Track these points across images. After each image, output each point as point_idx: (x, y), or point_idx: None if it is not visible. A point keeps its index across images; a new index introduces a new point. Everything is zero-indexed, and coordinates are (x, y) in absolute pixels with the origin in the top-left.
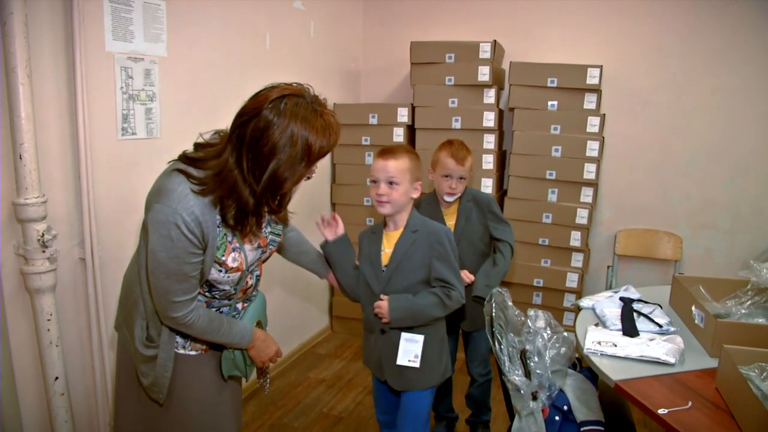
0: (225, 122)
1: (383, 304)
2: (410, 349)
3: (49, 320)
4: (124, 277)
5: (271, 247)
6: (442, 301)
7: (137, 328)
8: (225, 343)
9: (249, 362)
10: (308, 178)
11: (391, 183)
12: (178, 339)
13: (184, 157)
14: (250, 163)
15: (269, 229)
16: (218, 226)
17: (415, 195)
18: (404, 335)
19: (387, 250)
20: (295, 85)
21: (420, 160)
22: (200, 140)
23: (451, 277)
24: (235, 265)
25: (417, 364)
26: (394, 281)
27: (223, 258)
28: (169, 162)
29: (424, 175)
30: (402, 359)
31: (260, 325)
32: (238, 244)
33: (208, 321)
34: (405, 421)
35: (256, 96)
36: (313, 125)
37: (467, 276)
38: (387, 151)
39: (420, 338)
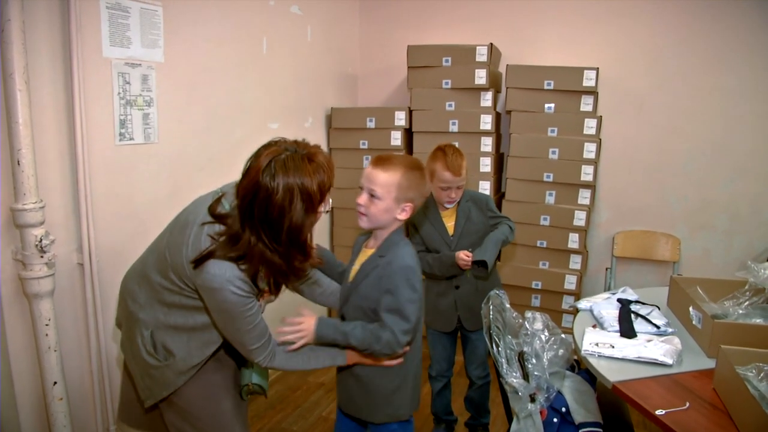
0: (223, 127)
1: (307, 325)
2: None
3: (47, 325)
4: (124, 280)
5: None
6: (371, 341)
7: (138, 336)
8: (315, 367)
9: (266, 387)
10: (327, 212)
11: (372, 195)
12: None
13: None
14: (268, 232)
15: None
16: None
17: (401, 217)
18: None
19: (356, 266)
20: (274, 142)
21: (422, 178)
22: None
23: (390, 318)
24: None
25: None
26: (352, 301)
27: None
28: (207, 222)
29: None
30: None
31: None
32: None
33: (286, 360)
34: None
35: (248, 172)
36: (304, 171)
37: (465, 254)
38: (381, 160)
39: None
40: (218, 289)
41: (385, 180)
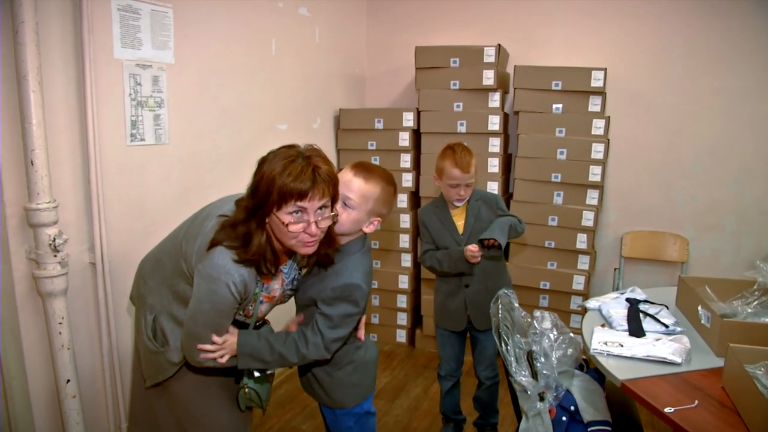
0: (232, 128)
1: (230, 341)
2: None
3: (60, 323)
4: (142, 262)
5: (285, 299)
6: (297, 345)
7: (142, 320)
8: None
9: (265, 397)
10: (334, 222)
11: (345, 203)
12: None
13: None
14: (254, 213)
15: (290, 286)
16: (257, 280)
17: (368, 230)
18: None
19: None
20: (291, 145)
21: (395, 195)
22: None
23: (323, 324)
24: (252, 312)
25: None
26: (302, 291)
27: (250, 307)
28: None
29: (431, 182)
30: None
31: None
32: (260, 299)
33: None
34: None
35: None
36: (285, 168)
37: (473, 247)
38: (363, 168)
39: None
40: (215, 278)
41: (364, 191)
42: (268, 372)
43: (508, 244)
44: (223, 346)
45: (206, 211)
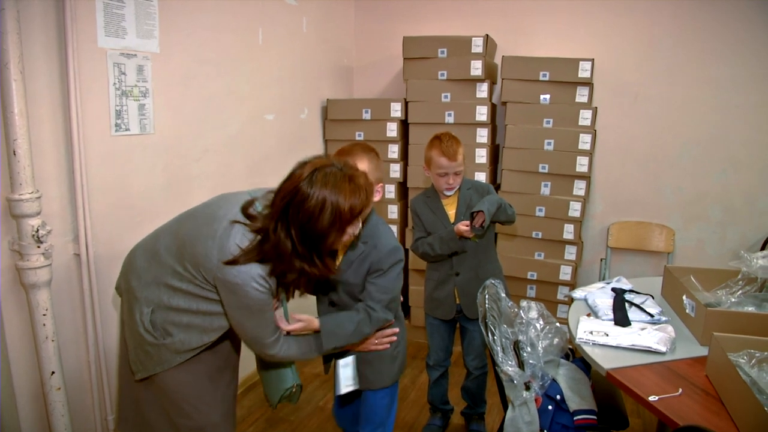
0: (219, 118)
1: (308, 319)
2: (348, 375)
3: (44, 315)
4: (132, 254)
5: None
6: (362, 329)
7: (137, 313)
8: (319, 354)
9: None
10: (353, 234)
11: None
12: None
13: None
14: (298, 236)
15: None
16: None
17: (375, 199)
18: (340, 362)
19: (340, 255)
20: (323, 156)
21: (379, 160)
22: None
23: (377, 295)
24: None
25: (356, 386)
26: (341, 289)
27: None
28: (236, 220)
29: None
30: (341, 388)
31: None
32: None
33: (297, 347)
34: (362, 419)
35: (292, 176)
36: (342, 189)
37: (464, 224)
38: (345, 153)
39: (351, 359)
40: (241, 284)
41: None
42: None
43: (495, 235)
44: (302, 321)
45: (210, 211)
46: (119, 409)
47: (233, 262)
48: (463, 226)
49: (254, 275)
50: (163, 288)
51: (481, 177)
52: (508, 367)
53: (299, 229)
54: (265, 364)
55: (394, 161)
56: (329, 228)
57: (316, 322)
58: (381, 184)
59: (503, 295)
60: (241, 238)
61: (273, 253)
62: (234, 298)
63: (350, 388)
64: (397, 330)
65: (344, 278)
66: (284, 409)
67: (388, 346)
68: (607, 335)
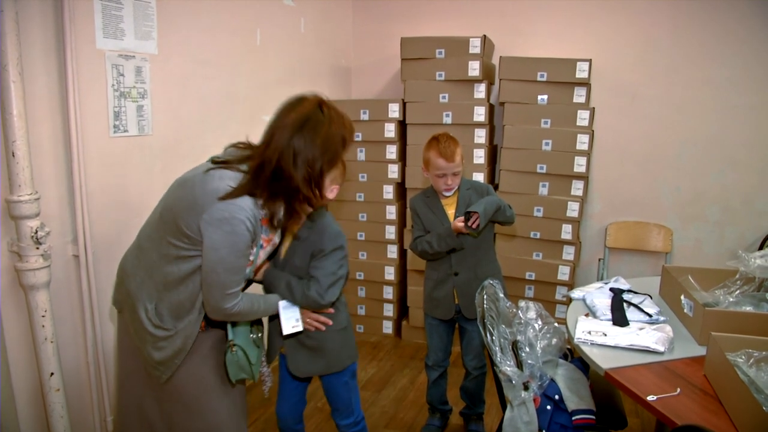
0: (217, 119)
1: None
2: (290, 316)
3: (43, 316)
4: (122, 262)
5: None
6: (303, 286)
7: (141, 311)
8: (264, 314)
9: (254, 361)
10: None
11: None
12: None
13: (222, 162)
14: (308, 160)
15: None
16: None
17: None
18: (281, 304)
19: (286, 241)
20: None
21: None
22: (226, 153)
23: (321, 275)
24: (251, 259)
25: (300, 327)
26: (287, 272)
27: (252, 250)
28: (210, 167)
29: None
30: (286, 328)
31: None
32: (260, 243)
33: (250, 303)
34: (332, 402)
35: (294, 108)
36: (345, 125)
37: (459, 220)
38: None
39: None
40: (229, 218)
41: None
42: (255, 336)
43: (494, 235)
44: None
45: (179, 181)
46: (119, 415)
47: (228, 195)
48: (459, 223)
49: (245, 207)
50: (157, 279)
51: (479, 177)
52: (507, 367)
53: (311, 153)
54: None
55: (392, 162)
56: (337, 153)
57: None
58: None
59: (501, 295)
60: (223, 177)
61: (273, 180)
62: (219, 234)
63: (297, 329)
64: (329, 321)
65: (291, 262)
66: None
67: (321, 327)
68: (606, 335)
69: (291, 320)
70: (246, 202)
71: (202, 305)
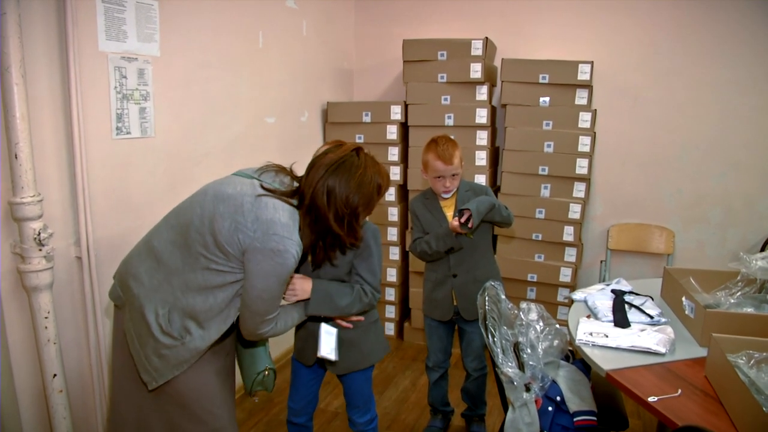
0: (219, 121)
1: (300, 286)
2: (330, 343)
3: (46, 318)
4: (126, 263)
5: None
6: (355, 303)
7: (151, 314)
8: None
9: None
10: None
11: None
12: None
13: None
14: (342, 201)
15: None
16: None
17: None
18: (323, 326)
19: None
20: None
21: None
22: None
23: (368, 278)
24: None
25: (335, 358)
26: (323, 278)
27: None
28: (262, 194)
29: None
30: (323, 351)
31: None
32: None
33: (284, 325)
34: (353, 399)
35: (331, 151)
36: (381, 172)
37: (456, 220)
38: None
39: (335, 330)
40: (281, 251)
41: None
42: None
43: (495, 237)
44: (294, 290)
45: (220, 192)
46: (113, 419)
47: (284, 229)
48: (455, 222)
49: (296, 242)
50: (177, 284)
51: (481, 179)
52: (509, 368)
53: (345, 194)
54: (243, 344)
55: (394, 164)
56: (371, 203)
57: (308, 288)
58: None
59: (503, 296)
60: (277, 208)
61: (312, 217)
62: (270, 264)
63: (330, 357)
64: (362, 318)
65: (327, 265)
66: (284, 412)
67: (351, 325)
68: (607, 336)
69: (329, 347)
70: (296, 238)
71: (218, 329)
